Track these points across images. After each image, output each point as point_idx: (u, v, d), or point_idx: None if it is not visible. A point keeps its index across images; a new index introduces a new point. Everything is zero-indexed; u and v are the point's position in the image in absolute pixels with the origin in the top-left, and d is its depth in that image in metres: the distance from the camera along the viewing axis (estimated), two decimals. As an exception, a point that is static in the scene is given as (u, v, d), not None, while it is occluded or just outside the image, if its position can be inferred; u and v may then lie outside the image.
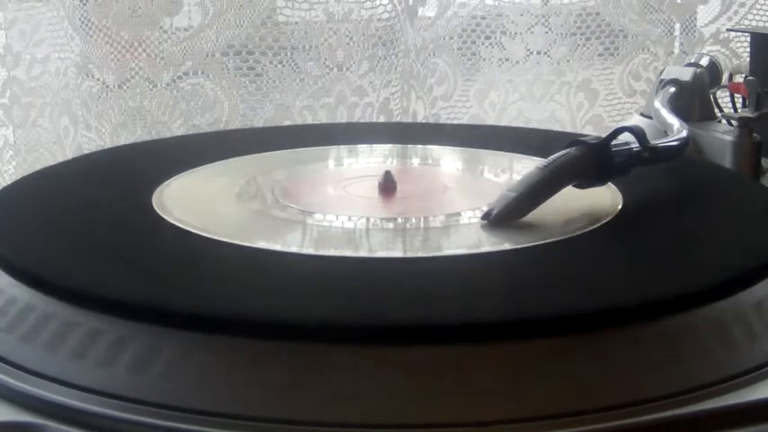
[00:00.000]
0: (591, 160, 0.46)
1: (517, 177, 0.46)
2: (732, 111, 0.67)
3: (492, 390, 0.32)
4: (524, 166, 0.47)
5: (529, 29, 0.92)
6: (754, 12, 0.94)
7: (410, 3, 0.88)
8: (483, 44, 0.93)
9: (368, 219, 0.47)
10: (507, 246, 0.42)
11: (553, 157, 0.46)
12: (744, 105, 0.66)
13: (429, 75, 0.92)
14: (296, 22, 0.85)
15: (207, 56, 0.84)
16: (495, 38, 0.93)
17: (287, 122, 0.86)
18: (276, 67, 0.85)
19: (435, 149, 0.62)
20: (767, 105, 0.62)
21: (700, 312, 0.36)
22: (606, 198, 0.48)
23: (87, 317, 0.36)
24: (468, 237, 0.45)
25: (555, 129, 0.93)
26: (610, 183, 0.48)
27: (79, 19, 0.82)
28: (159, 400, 0.33)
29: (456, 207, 0.48)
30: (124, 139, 0.84)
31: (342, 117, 0.88)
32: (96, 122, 0.84)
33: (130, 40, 0.82)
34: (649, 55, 0.94)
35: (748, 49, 0.76)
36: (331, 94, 0.87)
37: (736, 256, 0.41)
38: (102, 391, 0.33)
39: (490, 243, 0.43)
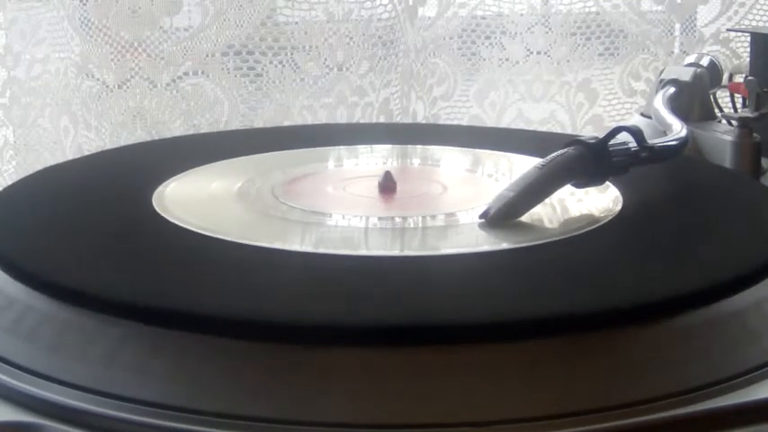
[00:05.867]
0: (588, 160, 0.46)
1: (516, 177, 0.46)
2: (732, 111, 0.67)
3: (492, 390, 0.32)
4: (523, 166, 0.47)
5: (529, 29, 0.92)
6: (754, 12, 0.94)
7: (410, 3, 0.88)
8: (483, 44, 0.93)
9: (368, 219, 0.47)
10: (506, 246, 0.42)
11: (551, 156, 0.46)
12: (744, 105, 0.66)
13: (429, 75, 0.92)
14: (296, 22, 0.85)
15: (207, 56, 0.84)
16: (495, 38, 0.93)
17: (287, 122, 0.86)
18: (276, 67, 0.85)
19: (435, 149, 0.62)
20: (767, 105, 0.62)
21: (699, 312, 0.36)
22: (606, 198, 0.48)
23: (87, 317, 0.36)
24: (467, 236, 0.45)
25: (555, 129, 0.93)
26: (609, 183, 0.48)
27: (79, 19, 0.82)
28: (159, 401, 0.33)
29: (455, 207, 0.48)
30: (124, 139, 0.84)
31: (342, 117, 0.88)
32: (96, 122, 0.84)
33: (130, 40, 0.82)
34: (649, 55, 0.94)
35: (748, 49, 0.76)
36: (331, 94, 0.87)
37: (736, 257, 0.41)
38: (101, 391, 0.33)
39: (489, 243, 0.43)
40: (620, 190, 0.49)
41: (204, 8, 0.83)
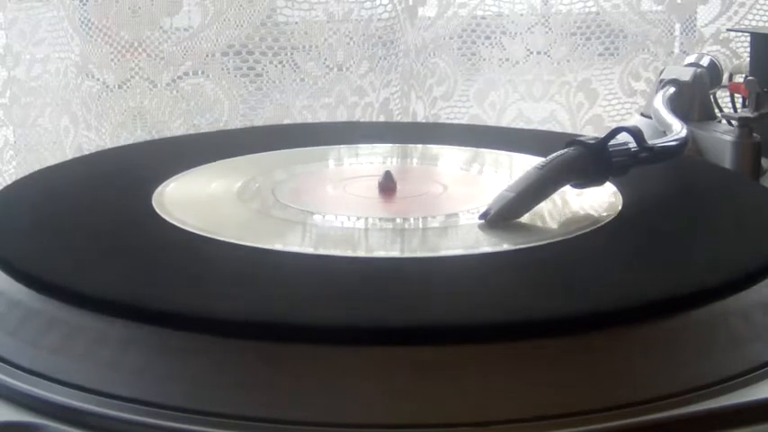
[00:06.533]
0: (588, 160, 0.46)
1: (516, 177, 0.46)
2: (732, 111, 0.67)
3: (492, 390, 0.32)
4: (524, 166, 0.47)
5: (529, 29, 0.92)
6: (754, 12, 0.94)
7: (410, 3, 0.88)
8: (483, 44, 0.93)
9: (367, 219, 0.47)
10: (507, 246, 0.42)
11: (551, 156, 0.46)
12: (744, 105, 0.66)
13: (429, 75, 0.92)
14: (296, 22, 0.85)
15: (207, 56, 0.84)
16: (495, 38, 0.93)
17: (287, 122, 0.86)
18: (276, 67, 0.85)
19: (435, 149, 0.62)
20: (767, 105, 0.62)
21: (699, 312, 0.36)
22: (606, 198, 0.48)
23: (87, 318, 0.36)
24: (467, 237, 0.45)
25: (555, 129, 0.93)
26: (610, 183, 0.48)
27: (79, 19, 0.82)
28: (159, 401, 0.33)
29: (455, 207, 0.48)
30: (124, 139, 0.84)
31: (342, 117, 0.88)
32: (96, 122, 0.84)
33: (130, 40, 0.82)
34: (649, 55, 0.94)
35: (748, 49, 0.76)
36: (331, 94, 0.87)
37: (736, 257, 0.41)
38: (101, 391, 0.33)
39: (489, 244, 0.43)
40: (620, 190, 0.49)
41: (204, 8, 0.83)
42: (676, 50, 0.94)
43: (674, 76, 0.68)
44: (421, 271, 0.40)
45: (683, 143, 0.52)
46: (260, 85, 0.86)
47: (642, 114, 0.70)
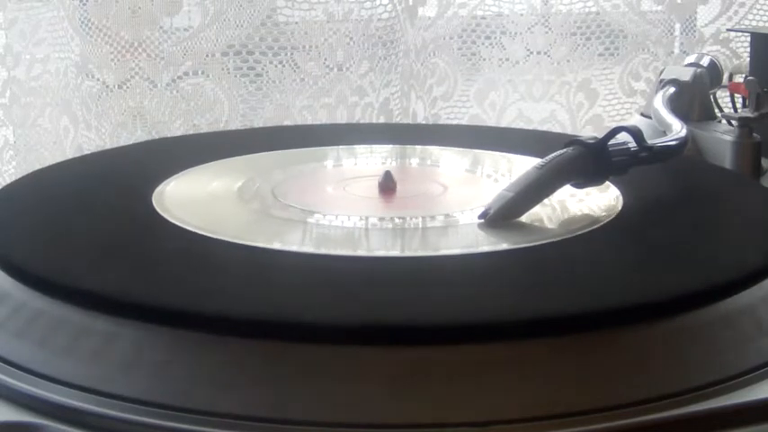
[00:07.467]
0: (588, 160, 0.46)
1: (515, 177, 0.46)
2: (732, 111, 0.67)
3: (492, 390, 0.32)
4: (523, 166, 0.47)
5: (529, 29, 0.92)
6: (754, 12, 0.94)
7: (410, 3, 0.88)
8: (483, 44, 0.93)
9: (367, 219, 0.47)
10: (506, 246, 0.42)
11: (550, 156, 0.46)
12: (744, 105, 0.66)
13: (429, 75, 0.92)
14: (296, 22, 0.85)
15: (207, 56, 0.84)
16: (495, 38, 0.93)
17: (287, 122, 0.86)
18: (276, 67, 0.85)
19: (435, 149, 0.62)
20: (767, 105, 0.62)
21: (699, 313, 0.36)
22: (606, 198, 0.48)
23: (87, 317, 0.36)
24: (467, 237, 0.45)
25: (555, 129, 0.93)
26: (610, 183, 0.48)
27: (79, 19, 0.82)
28: (159, 400, 0.33)
29: (455, 207, 0.48)
30: (124, 139, 0.84)
31: (342, 117, 0.88)
32: (96, 122, 0.84)
33: (130, 40, 0.82)
34: (649, 55, 0.94)
35: (748, 49, 0.76)
36: (331, 94, 0.87)
37: (736, 257, 0.41)
38: (102, 391, 0.33)
39: (489, 243, 0.43)
40: (620, 190, 0.49)
41: (204, 8, 0.83)
42: (676, 50, 0.94)
43: (674, 76, 0.68)
44: (421, 270, 0.40)
45: (683, 143, 0.52)
46: (260, 85, 0.86)
47: (642, 114, 0.70)
